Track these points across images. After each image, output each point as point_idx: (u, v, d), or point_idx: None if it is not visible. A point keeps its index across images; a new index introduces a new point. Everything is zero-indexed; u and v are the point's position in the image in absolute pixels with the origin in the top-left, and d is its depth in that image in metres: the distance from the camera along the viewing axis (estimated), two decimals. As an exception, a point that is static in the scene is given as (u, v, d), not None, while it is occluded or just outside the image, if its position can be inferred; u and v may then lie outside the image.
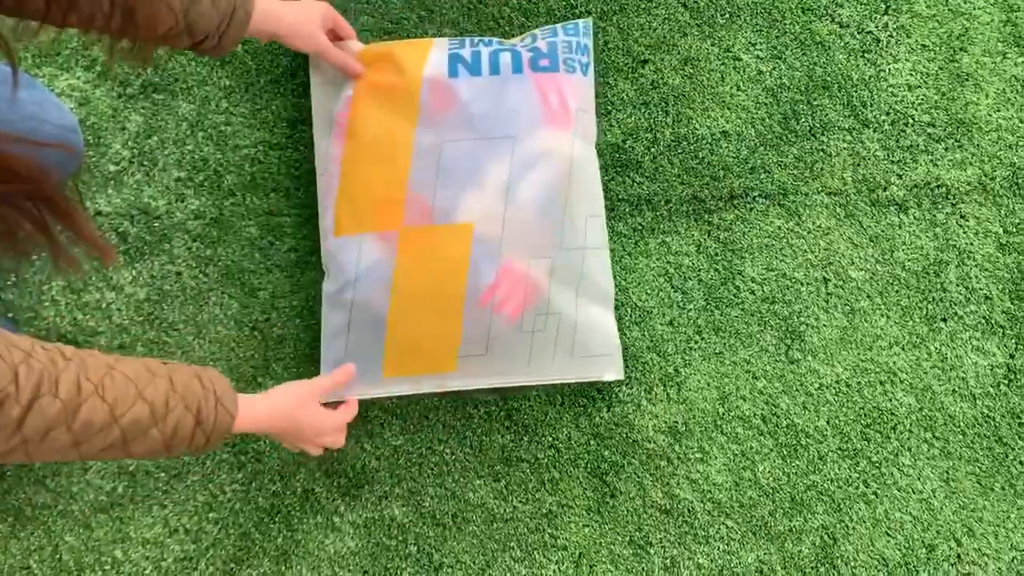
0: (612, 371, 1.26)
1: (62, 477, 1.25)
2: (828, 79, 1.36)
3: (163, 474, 1.27)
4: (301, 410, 1.09)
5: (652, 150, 1.35)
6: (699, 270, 1.33)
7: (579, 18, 1.36)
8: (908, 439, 1.31)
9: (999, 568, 1.30)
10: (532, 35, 1.26)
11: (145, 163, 1.31)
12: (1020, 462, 1.31)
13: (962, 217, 1.34)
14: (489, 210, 1.17)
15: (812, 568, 1.29)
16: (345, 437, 1.14)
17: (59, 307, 1.27)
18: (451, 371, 1.21)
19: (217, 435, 0.94)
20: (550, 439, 1.29)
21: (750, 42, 1.37)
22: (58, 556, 1.24)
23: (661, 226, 1.34)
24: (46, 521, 1.24)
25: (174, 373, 0.91)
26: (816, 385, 1.31)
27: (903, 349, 1.32)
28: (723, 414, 1.30)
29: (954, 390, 1.32)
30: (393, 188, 1.18)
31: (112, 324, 1.27)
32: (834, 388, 1.31)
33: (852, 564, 1.29)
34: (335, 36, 1.21)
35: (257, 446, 1.28)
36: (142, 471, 1.26)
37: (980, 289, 1.33)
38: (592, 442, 1.29)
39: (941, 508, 1.30)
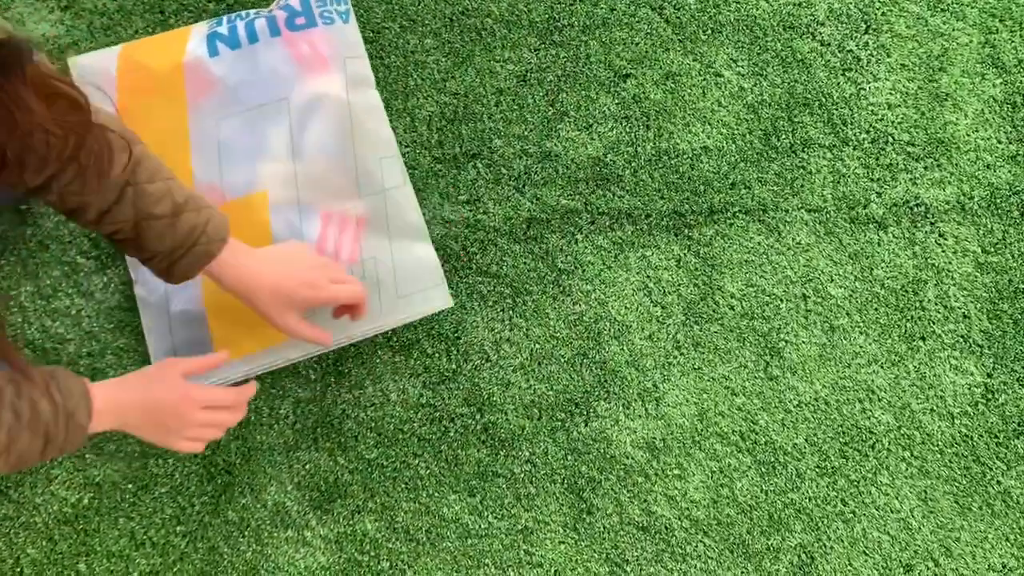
0: (440, 300, 1.23)
1: (26, 488, 1.22)
2: (809, 96, 1.37)
3: (130, 486, 1.24)
4: (160, 384, 0.99)
5: (633, 164, 1.34)
6: (679, 285, 1.32)
7: (564, 31, 1.36)
8: (886, 458, 1.30)
9: (976, 589, 1.30)
10: None
11: (119, 168, 1.29)
12: (997, 482, 1.30)
13: (941, 236, 1.35)
14: (280, 173, 1.18)
15: (789, 587, 1.28)
16: (239, 416, 1.05)
17: (27, 313, 1.24)
18: (284, 341, 1.18)
19: (71, 446, 0.92)
20: (527, 454, 1.28)
21: (732, 58, 1.37)
22: (19, 569, 1.20)
23: (641, 240, 1.33)
24: (8, 533, 1.21)
25: (20, 398, 0.87)
26: (795, 402, 1.31)
27: (882, 367, 1.32)
28: (701, 430, 1.29)
29: (932, 409, 1.31)
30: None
31: (81, 331, 1.25)
32: (813, 405, 1.31)
33: (830, 584, 1.28)
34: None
35: (228, 458, 1.25)
36: (108, 482, 1.23)
37: (958, 308, 1.33)
38: (569, 457, 1.28)
39: (919, 528, 1.29)
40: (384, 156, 1.23)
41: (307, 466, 1.25)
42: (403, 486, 1.26)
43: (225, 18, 1.24)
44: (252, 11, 1.25)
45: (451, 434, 1.28)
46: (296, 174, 1.19)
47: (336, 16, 1.23)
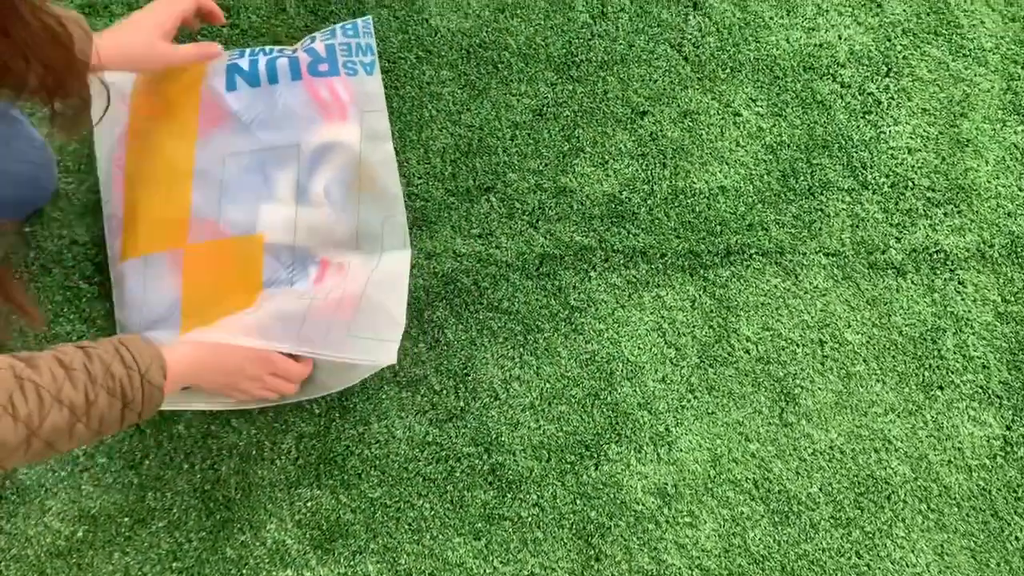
0: (385, 355, 1.11)
1: (19, 519, 1.19)
2: (828, 138, 1.35)
3: (126, 519, 1.20)
4: (231, 349, 1.05)
5: (648, 202, 1.32)
6: (693, 326, 1.30)
7: (581, 66, 1.34)
8: (902, 510, 1.27)
9: (992, 647, 1.26)
10: (311, 36, 1.24)
11: (127, 193, 1.27)
12: (1016, 538, 1.27)
13: (960, 284, 1.32)
14: (280, 215, 1.16)
15: (801, 641, 1.24)
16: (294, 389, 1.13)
17: (27, 339, 1.22)
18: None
19: (148, 409, 0.92)
20: (535, 497, 1.24)
21: (751, 98, 1.36)
22: (8, 604, 1.17)
23: (656, 280, 1.31)
24: (-2, 566, 1.17)
25: (91, 361, 0.87)
26: (810, 450, 1.28)
27: (899, 416, 1.29)
28: (714, 477, 1.26)
29: (950, 460, 1.29)
30: (176, 211, 1.15)
31: (82, 359, 1.22)
32: (828, 454, 1.28)
33: (842, 639, 1.25)
34: (199, 21, 1.18)
35: (228, 493, 1.22)
36: (104, 515, 1.20)
37: (977, 358, 1.31)
38: (578, 502, 1.25)
39: (935, 583, 1.26)
40: (388, 216, 1.21)
41: (308, 504, 1.22)
42: (407, 527, 1.23)
43: (247, 51, 1.22)
44: (275, 49, 1.23)
45: (457, 474, 1.24)
46: (297, 218, 1.16)
47: (360, 68, 1.21)
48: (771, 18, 1.37)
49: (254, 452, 1.23)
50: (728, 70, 1.36)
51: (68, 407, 0.83)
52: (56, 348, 0.88)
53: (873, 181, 1.34)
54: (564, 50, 1.35)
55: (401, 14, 1.34)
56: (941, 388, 1.30)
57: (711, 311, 1.30)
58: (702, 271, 1.31)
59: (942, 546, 1.27)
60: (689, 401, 1.28)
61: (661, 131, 1.34)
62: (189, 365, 1.01)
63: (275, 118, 1.17)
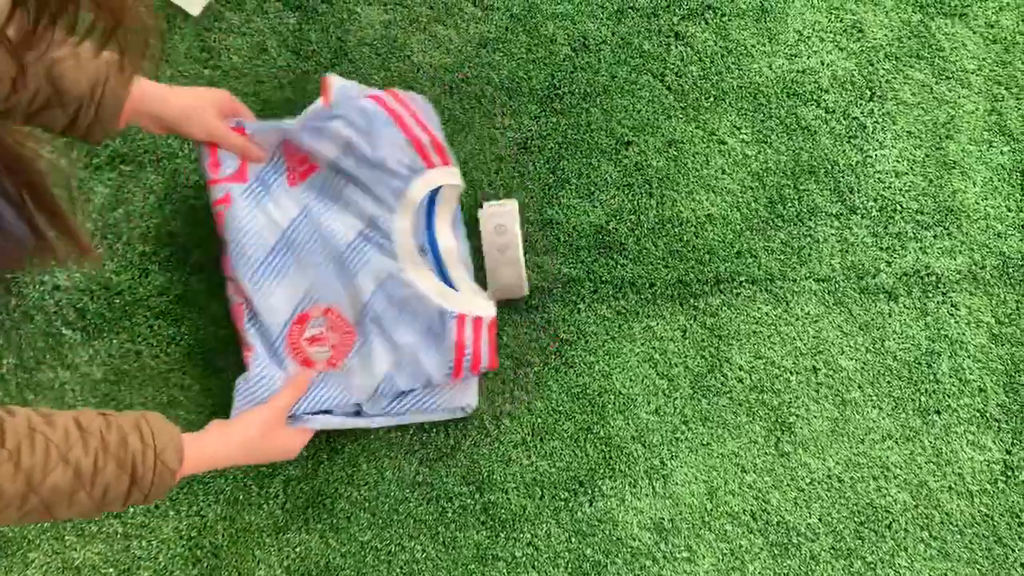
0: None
1: (0, 573, 1.16)
2: (814, 164, 1.34)
3: (111, 569, 1.17)
4: (266, 440, 1.05)
5: (636, 232, 1.31)
6: (685, 356, 1.28)
7: (565, 98, 1.34)
8: (904, 538, 1.24)
9: None
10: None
11: (109, 236, 1.26)
12: (1021, 564, 1.25)
13: (953, 306, 1.31)
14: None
15: (806, 678, 1.21)
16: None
17: (8, 386, 1.20)
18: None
19: (157, 492, 0.89)
20: (528, 536, 1.22)
21: (735, 126, 1.35)
22: (-11, 661, 1.14)
23: (645, 310, 1.29)
24: (-22, 622, 1.14)
25: (108, 429, 0.85)
26: (807, 480, 1.25)
27: (896, 443, 1.27)
28: (711, 510, 1.24)
29: (950, 487, 1.26)
30: None
31: (65, 405, 1.20)
32: (826, 483, 1.25)
33: (848, 674, 1.22)
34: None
35: (215, 540, 1.19)
36: (88, 566, 1.17)
37: (974, 381, 1.29)
38: (573, 539, 1.22)
39: (941, 614, 1.23)
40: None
41: (297, 548, 1.19)
42: (398, 570, 1.20)
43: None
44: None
45: (449, 515, 1.22)
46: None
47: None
48: (753, 46, 1.37)
49: (241, 496, 1.21)
50: (712, 98, 1.36)
51: (74, 469, 0.80)
52: (78, 411, 0.86)
53: (861, 205, 1.33)
54: (547, 82, 1.35)
55: (383, 51, 1.34)
56: (938, 413, 1.28)
57: (702, 341, 1.29)
58: (692, 300, 1.30)
59: (946, 575, 1.24)
60: (683, 433, 1.26)
61: (646, 161, 1.34)
62: (209, 457, 0.99)
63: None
